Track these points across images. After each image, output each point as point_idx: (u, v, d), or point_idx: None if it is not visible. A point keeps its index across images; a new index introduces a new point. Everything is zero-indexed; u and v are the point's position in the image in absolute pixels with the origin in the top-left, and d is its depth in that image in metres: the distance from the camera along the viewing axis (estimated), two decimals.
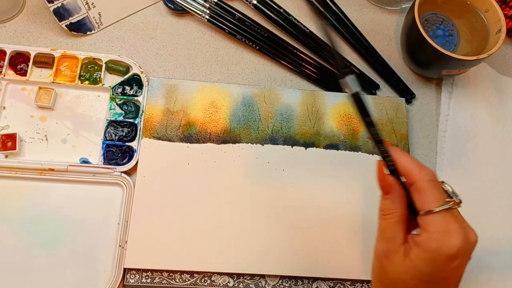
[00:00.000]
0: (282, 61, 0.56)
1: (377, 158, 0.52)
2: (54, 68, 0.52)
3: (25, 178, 0.48)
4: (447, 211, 0.31)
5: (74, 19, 0.54)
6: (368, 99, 0.55)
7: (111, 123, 0.51)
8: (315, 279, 0.48)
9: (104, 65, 0.53)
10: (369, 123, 0.34)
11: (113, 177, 0.49)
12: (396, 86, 0.58)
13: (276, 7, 0.58)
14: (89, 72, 0.53)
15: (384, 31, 0.61)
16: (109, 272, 0.46)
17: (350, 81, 0.33)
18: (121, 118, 0.51)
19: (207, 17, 0.56)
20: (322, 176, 0.51)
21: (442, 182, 0.34)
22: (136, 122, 0.51)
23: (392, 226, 0.33)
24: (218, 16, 0.56)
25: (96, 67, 0.53)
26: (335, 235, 0.49)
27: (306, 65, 0.57)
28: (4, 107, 0.51)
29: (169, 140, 0.50)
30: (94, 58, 0.53)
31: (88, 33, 0.56)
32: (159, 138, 0.50)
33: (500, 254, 0.50)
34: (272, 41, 0.57)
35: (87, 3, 0.53)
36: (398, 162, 0.33)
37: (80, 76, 0.52)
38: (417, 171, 0.33)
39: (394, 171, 0.34)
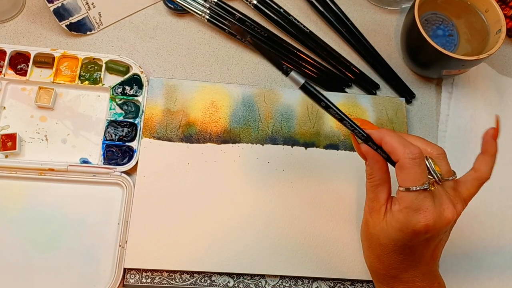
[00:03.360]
0: (282, 61, 0.56)
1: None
2: (54, 68, 0.52)
3: (25, 178, 0.48)
4: (423, 190, 0.34)
5: (74, 19, 0.54)
6: (368, 99, 0.55)
7: (111, 123, 0.51)
8: (315, 279, 0.48)
9: (104, 65, 0.53)
10: (326, 107, 0.36)
11: (113, 177, 0.49)
12: (396, 86, 0.58)
13: (276, 7, 0.58)
14: (89, 72, 0.53)
15: (384, 31, 0.61)
16: (109, 272, 0.46)
17: (295, 75, 0.36)
18: (121, 118, 0.51)
19: (207, 17, 0.56)
20: (322, 176, 0.51)
21: (427, 157, 0.36)
22: (136, 122, 0.51)
23: (373, 188, 0.37)
24: (218, 16, 0.56)
25: (96, 67, 0.53)
26: (335, 235, 0.49)
27: (306, 65, 0.57)
28: (4, 107, 0.51)
29: (169, 140, 0.50)
30: (94, 58, 0.53)
31: (88, 33, 0.56)
32: (159, 138, 0.50)
33: (501, 254, 0.50)
34: (272, 41, 0.57)
35: (87, 3, 0.53)
36: (383, 141, 0.35)
37: (80, 76, 0.52)
38: (401, 149, 0.34)
39: (366, 140, 0.36)
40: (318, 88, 0.56)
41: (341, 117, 0.36)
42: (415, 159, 0.34)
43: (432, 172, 0.35)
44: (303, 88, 0.36)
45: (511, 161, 0.55)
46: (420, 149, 0.34)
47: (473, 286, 0.49)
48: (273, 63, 0.37)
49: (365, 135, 0.36)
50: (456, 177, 0.38)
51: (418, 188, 0.33)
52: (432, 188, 0.34)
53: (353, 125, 0.36)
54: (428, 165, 0.35)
